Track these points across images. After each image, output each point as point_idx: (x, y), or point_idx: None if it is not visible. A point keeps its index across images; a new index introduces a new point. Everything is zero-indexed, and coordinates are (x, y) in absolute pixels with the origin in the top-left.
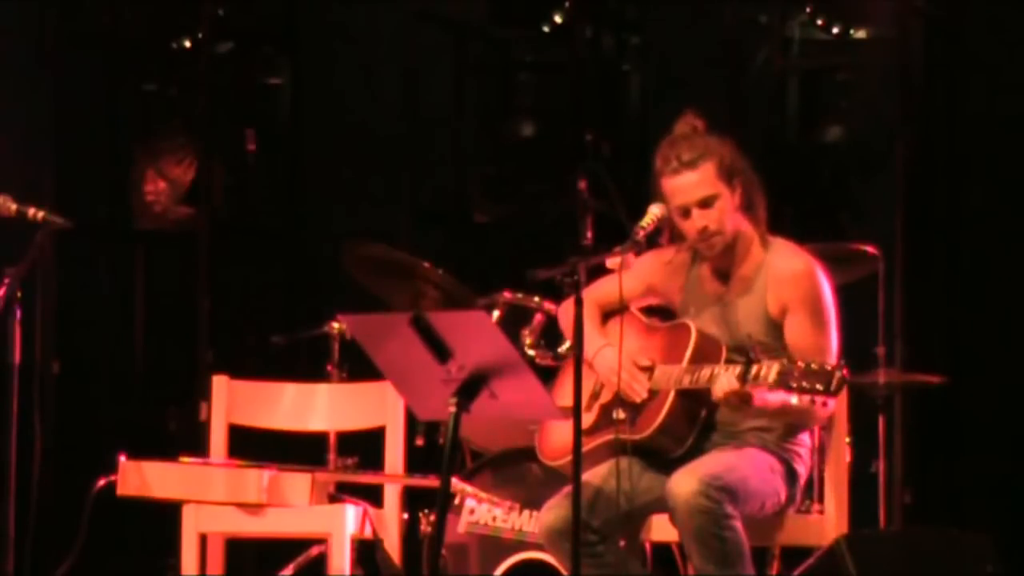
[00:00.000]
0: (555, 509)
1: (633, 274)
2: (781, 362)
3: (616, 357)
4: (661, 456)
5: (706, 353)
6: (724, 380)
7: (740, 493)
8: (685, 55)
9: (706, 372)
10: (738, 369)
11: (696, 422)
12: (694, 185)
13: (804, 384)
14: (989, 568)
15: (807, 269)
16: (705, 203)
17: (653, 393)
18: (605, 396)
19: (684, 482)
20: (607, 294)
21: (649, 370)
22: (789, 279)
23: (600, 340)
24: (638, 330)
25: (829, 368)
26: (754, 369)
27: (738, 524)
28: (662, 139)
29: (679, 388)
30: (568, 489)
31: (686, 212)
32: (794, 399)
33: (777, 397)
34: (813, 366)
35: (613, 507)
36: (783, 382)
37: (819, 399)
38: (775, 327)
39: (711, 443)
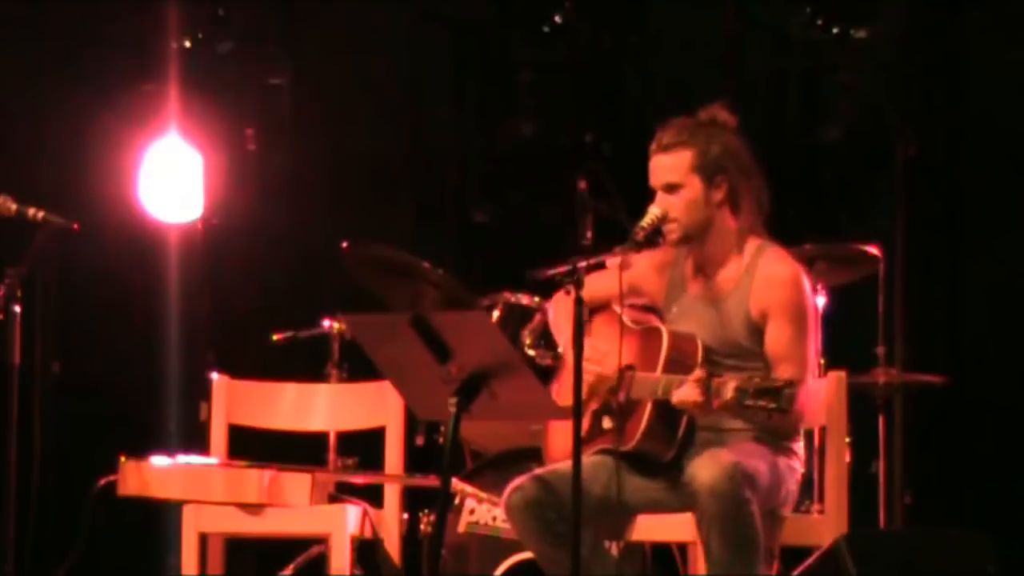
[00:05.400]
0: (520, 489)
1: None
2: (740, 378)
3: (590, 348)
4: (653, 462)
5: (681, 354)
6: (686, 391)
7: (756, 482)
8: (685, 55)
9: (675, 383)
10: (700, 383)
11: (678, 426)
12: (664, 168)
13: (759, 403)
14: (989, 568)
15: (793, 276)
16: (669, 189)
17: (635, 402)
18: (596, 402)
19: (707, 466)
20: (593, 291)
21: (631, 370)
22: (774, 284)
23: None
24: (616, 330)
25: (779, 385)
26: (715, 384)
27: (756, 511)
28: None
29: (654, 399)
30: (538, 471)
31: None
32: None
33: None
34: (766, 384)
35: (589, 498)
36: (739, 399)
37: (775, 416)
38: (757, 331)
39: (700, 442)
